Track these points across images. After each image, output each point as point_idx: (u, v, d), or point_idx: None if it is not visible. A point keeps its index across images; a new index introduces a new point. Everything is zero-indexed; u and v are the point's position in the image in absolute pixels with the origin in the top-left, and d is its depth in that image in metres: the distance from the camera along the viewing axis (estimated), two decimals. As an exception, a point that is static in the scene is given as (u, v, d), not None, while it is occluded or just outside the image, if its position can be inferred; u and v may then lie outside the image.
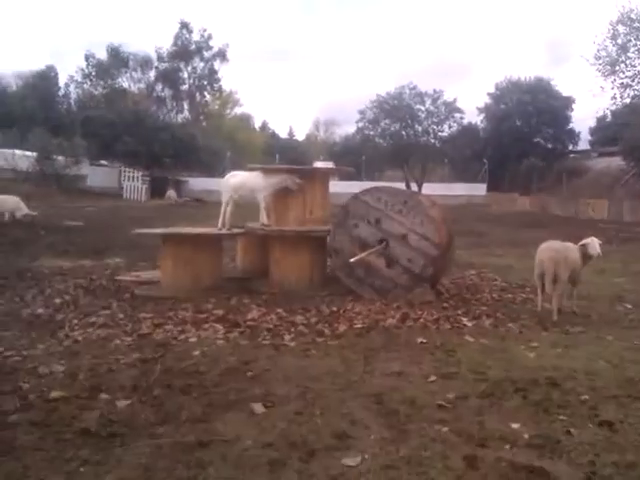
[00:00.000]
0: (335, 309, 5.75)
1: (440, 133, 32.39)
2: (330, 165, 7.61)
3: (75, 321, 5.47)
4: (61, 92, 54.88)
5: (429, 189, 32.17)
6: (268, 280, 7.14)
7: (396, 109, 31.17)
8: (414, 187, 31.35)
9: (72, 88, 54.93)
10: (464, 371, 3.95)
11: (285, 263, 6.90)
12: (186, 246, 6.72)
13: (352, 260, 6.05)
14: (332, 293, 6.73)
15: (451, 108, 31.32)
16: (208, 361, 4.19)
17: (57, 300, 6.46)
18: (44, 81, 51.38)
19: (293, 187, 6.73)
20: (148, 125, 39.96)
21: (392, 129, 32.19)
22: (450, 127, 32.24)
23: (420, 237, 6.30)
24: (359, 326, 5.10)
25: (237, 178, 7.02)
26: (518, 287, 7.72)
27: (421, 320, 5.38)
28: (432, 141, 32.78)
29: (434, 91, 31.29)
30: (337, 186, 34.86)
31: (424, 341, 4.62)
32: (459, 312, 5.79)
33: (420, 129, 32.20)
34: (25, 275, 8.43)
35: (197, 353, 4.39)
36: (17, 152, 33.52)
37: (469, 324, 5.36)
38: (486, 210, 30.13)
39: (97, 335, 4.99)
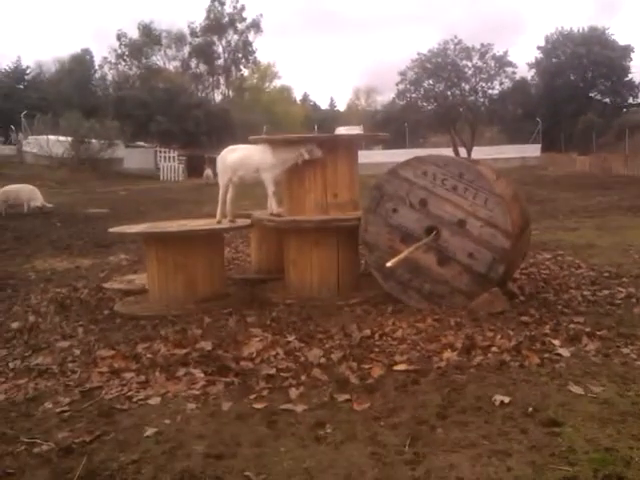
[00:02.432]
0: (369, 332, 4.07)
1: (490, 91, 29.76)
2: (357, 130, 5.77)
3: (12, 365, 4.01)
4: (97, 74, 54.22)
5: (479, 153, 29.89)
6: (284, 284, 5.53)
7: (440, 67, 28.58)
8: (463, 153, 28.98)
9: (106, 69, 54.18)
10: (587, 471, 2.27)
11: (304, 264, 5.26)
12: (175, 247, 5.16)
13: (389, 264, 4.32)
14: (366, 300, 5.07)
15: (502, 63, 28.63)
16: (160, 453, 2.63)
17: (15, 324, 5.05)
18: (80, 65, 50.72)
19: (318, 155, 5.06)
20: (181, 103, 38.79)
21: (436, 90, 29.64)
22: (501, 84, 29.55)
23: (484, 223, 4.55)
24: (402, 368, 3.41)
25: (236, 154, 5.37)
26: (612, 277, 5.90)
27: (494, 349, 3.66)
28: (481, 100, 30.12)
29: (481, 45, 28.62)
30: (377, 155, 33.00)
31: (506, 400, 2.91)
32: (546, 329, 4.04)
33: (467, 87, 29.59)
34: (6, 282, 7.17)
35: (150, 433, 2.83)
36: (51, 138, 32.85)
37: (565, 353, 3.61)
38: (543, 173, 27.69)
39: (26, 392, 3.50)
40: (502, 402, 2.89)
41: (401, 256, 4.33)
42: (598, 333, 3.97)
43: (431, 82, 29.11)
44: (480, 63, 28.71)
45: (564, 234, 9.13)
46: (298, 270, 5.31)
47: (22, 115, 36.15)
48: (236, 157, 5.33)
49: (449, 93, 29.56)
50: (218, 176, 5.53)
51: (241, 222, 5.55)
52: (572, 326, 4.12)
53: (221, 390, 3.30)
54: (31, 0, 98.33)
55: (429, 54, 28.77)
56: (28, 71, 46.55)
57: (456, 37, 28.47)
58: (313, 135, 5.41)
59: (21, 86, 44.80)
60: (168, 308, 5.14)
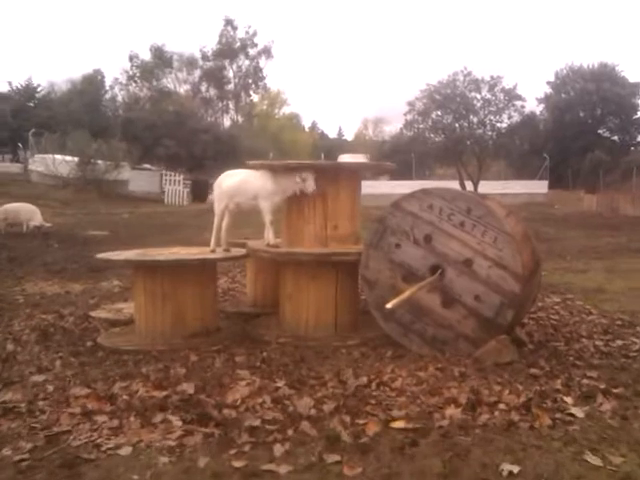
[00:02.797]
0: (365, 379, 3.74)
1: (498, 124, 29.57)
2: (361, 159, 5.48)
3: (-22, 401, 3.70)
4: (108, 95, 54.57)
5: (485, 187, 29.60)
6: (279, 321, 5.22)
7: (448, 99, 28.45)
8: (469, 186, 28.70)
9: (117, 90, 54.56)
10: None
11: (300, 300, 4.95)
12: (163, 277, 4.86)
13: (389, 305, 4.01)
14: (365, 342, 4.75)
15: (511, 95, 28.52)
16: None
17: (-9, 354, 4.75)
18: (91, 85, 51.05)
19: (309, 189, 4.77)
20: (189, 127, 38.81)
21: (444, 121, 29.49)
22: (510, 117, 29.41)
23: (493, 263, 4.25)
24: (400, 425, 3.08)
25: (234, 179, 5.10)
26: (625, 326, 5.58)
27: (502, 406, 3.33)
28: (489, 133, 29.92)
29: (491, 77, 28.49)
30: (383, 186, 32.80)
31: (515, 471, 2.58)
32: (558, 384, 3.71)
33: (475, 120, 29.44)
34: (-8, 306, 6.89)
35: (112, 494, 2.51)
36: (57, 157, 32.78)
37: (579, 413, 3.28)
38: (550, 210, 27.38)
39: (-13, 434, 3.19)
40: (510, 472, 2.56)
41: (402, 297, 4.02)
42: (614, 391, 3.64)
43: (439, 113, 29.01)
44: (489, 95, 28.63)
45: (573, 276, 8.80)
46: (294, 306, 5.00)
47: (30, 133, 36.21)
48: (233, 183, 5.07)
49: (457, 125, 29.45)
50: (214, 202, 5.26)
51: (236, 252, 5.27)
52: (585, 381, 3.79)
53: (199, 442, 2.98)
54: (46, 20, 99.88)
55: (438, 85, 28.71)
56: (39, 89, 46.85)
57: (466, 68, 28.48)
58: (314, 162, 5.12)
59: (31, 104, 45.03)
60: (154, 342, 4.83)
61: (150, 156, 39.47)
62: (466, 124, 29.42)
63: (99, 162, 32.94)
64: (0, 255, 11.15)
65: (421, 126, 29.81)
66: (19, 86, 45.91)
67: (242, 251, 5.17)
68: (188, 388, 3.62)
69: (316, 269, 4.87)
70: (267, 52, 57.50)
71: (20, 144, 38.38)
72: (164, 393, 3.58)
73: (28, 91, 45.99)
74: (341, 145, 58.15)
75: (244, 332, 5.15)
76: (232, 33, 56.92)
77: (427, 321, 4.44)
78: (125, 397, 3.54)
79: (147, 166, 41.26)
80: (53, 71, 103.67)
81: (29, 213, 14.71)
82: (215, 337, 4.97)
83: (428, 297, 4.42)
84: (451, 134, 29.39)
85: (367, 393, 3.55)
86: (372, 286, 4.64)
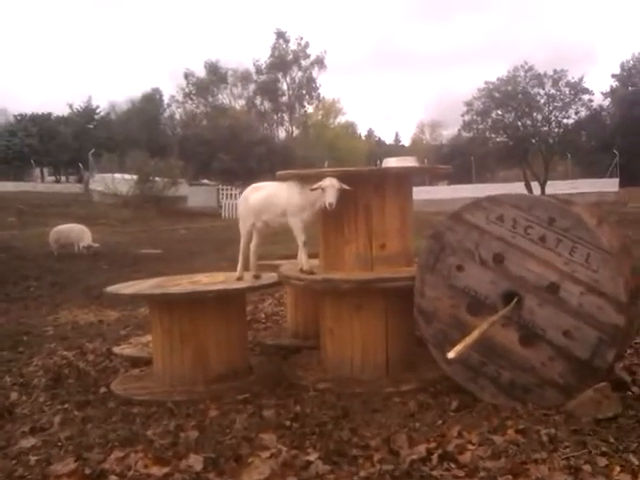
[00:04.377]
0: (423, 450, 2.85)
1: (564, 120, 27.76)
2: (410, 162, 4.54)
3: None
4: (166, 113, 55.39)
5: (552, 188, 27.96)
6: (320, 358, 4.38)
7: (509, 96, 26.89)
8: (535, 188, 27.09)
9: (174, 108, 55.37)
10: None
11: (343, 335, 4.10)
12: (181, 313, 4.12)
13: (451, 354, 3.08)
14: (424, 387, 3.86)
15: (577, 89, 26.70)
16: None
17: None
18: (149, 104, 51.92)
19: (326, 201, 3.85)
20: (244, 140, 38.69)
21: (505, 120, 27.95)
22: (577, 112, 27.54)
23: (586, 289, 3.28)
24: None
25: (260, 193, 4.31)
26: None
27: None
28: (555, 130, 28.16)
29: (554, 72, 26.76)
30: (442, 191, 31.50)
31: None
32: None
33: (539, 117, 27.77)
34: (20, 339, 6.39)
35: None
36: (117, 176, 33.22)
37: None
38: (622, 210, 25.40)
39: None
40: None
41: (468, 341, 3.09)
42: None
43: (500, 112, 27.50)
44: (553, 91, 26.90)
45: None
46: (336, 342, 4.16)
47: (90, 154, 36.92)
48: (260, 198, 4.28)
49: (519, 123, 27.86)
50: (240, 220, 4.49)
51: (267, 278, 4.47)
52: None
53: None
54: (104, 41, 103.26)
55: (498, 82, 27.22)
56: (98, 110, 47.90)
57: (527, 63, 26.86)
58: (352, 170, 4.25)
59: (91, 125, 46.05)
60: (172, 389, 4.10)
61: (206, 171, 39.65)
62: (529, 122, 27.81)
63: (157, 179, 33.16)
64: (44, 279, 10.83)
65: (480, 126, 28.36)
66: (79, 108, 47.05)
67: (274, 277, 4.36)
68: (195, 463, 2.84)
69: (361, 298, 4.01)
70: (320, 62, 57.22)
71: (81, 165, 39.24)
72: (165, 470, 2.81)
73: (88, 112, 47.06)
74: (398, 151, 56.90)
75: (279, 373, 4.33)
76: (284, 46, 56.97)
77: (502, 363, 3.51)
78: (119, 470, 2.77)
79: (205, 181, 41.49)
80: (113, 91, 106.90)
81: (79, 233, 14.48)
82: (244, 381, 4.18)
83: (502, 333, 3.49)
84: (513, 133, 27.82)
85: (426, 473, 2.66)
86: (429, 318, 3.74)
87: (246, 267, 4.51)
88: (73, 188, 38.23)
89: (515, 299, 3.48)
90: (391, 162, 4.54)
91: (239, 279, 4.40)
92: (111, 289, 4.24)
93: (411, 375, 4.06)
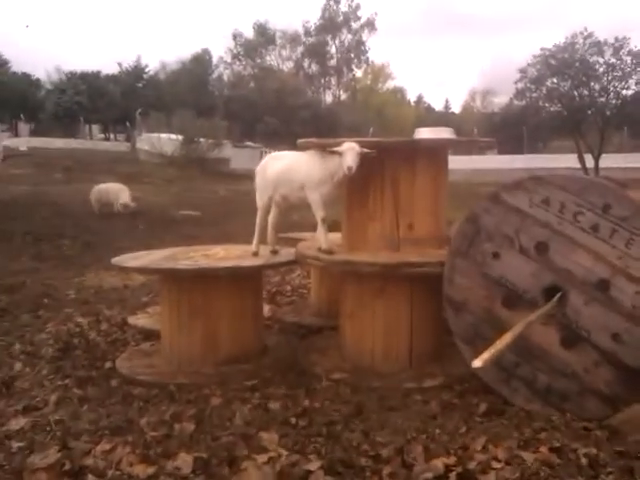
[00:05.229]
0: (441, 465, 2.48)
1: (624, 91, 26.15)
2: (446, 134, 4.03)
3: None
4: (214, 74, 55.10)
5: (606, 161, 26.60)
6: (339, 343, 4.03)
7: (566, 64, 25.41)
8: (589, 160, 25.77)
9: (222, 69, 55.02)
10: None
11: (363, 321, 3.74)
12: (191, 288, 3.83)
13: (479, 362, 2.63)
14: (449, 384, 3.48)
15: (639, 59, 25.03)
16: None
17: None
18: (199, 64, 51.67)
19: (344, 166, 3.44)
20: (289, 104, 38.24)
21: (561, 89, 26.53)
22: (637, 83, 25.85)
23: (644, 288, 2.83)
24: None
25: (279, 164, 3.93)
26: None
27: None
28: (613, 101, 26.62)
29: (615, 39, 25.13)
30: (490, 161, 30.34)
31: None
32: None
33: (597, 87, 26.24)
34: (40, 302, 6.27)
35: None
36: (163, 136, 33.26)
37: None
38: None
39: None
40: None
41: (499, 347, 2.66)
42: None
43: (555, 80, 26.06)
44: (613, 60, 25.29)
45: None
46: (356, 329, 3.80)
47: (137, 113, 37.03)
48: (278, 169, 3.89)
49: (575, 93, 26.40)
50: (256, 192, 4.13)
51: (284, 255, 4.12)
52: None
53: None
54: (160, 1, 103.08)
55: (554, 49, 25.71)
56: (147, 70, 47.96)
57: (586, 30, 25.19)
58: (377, 140, 3.79)
59: (139, 85, 46.17)
60: (178, 369, 3.84)
61: (251, 133, 39.40)
62: (586, 91, 26.32)
63: (202, 140, 33.08)
64: (78, 239, 10.77)
65: (534, 95, 27.01)
66: (128, 67, 47.19)
67: (289, 257, 4.00)
68: (184, 465, 2.55)
69: (384, 282, 3.63)
70: (370, 25, 55.95)
71: (128, 123, 39.46)
72: (149, 471, 2.53)
73: (137, 72, 47.18)
74: (448, 118, 55.35)
75: (293, 357, 4.02)
76: (335, 7, 55.73)
77: (539, 365, 3.10)
78: (93, 477, 2.51)
79: (249, 143, 41.28)
80: (165, 52, 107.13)
81: (118, 192, 14.43)
82: (255, 364, 3.88)
83: (541, 332, 3.07)
84: (569, 103, 26.41)
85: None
86: (459, 309, 3.34)
87: (262, 241, 4.16)
88: (121, 146, 38.62)
89: (558, 295, 3.04)
90: (424, 133, 4.06)
91: (255, 254, 4.06)
92: (118, 260, 3.98)
93: (436, 369, 3.68)
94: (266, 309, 5.49)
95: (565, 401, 3.02)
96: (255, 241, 4.11)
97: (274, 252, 4.17)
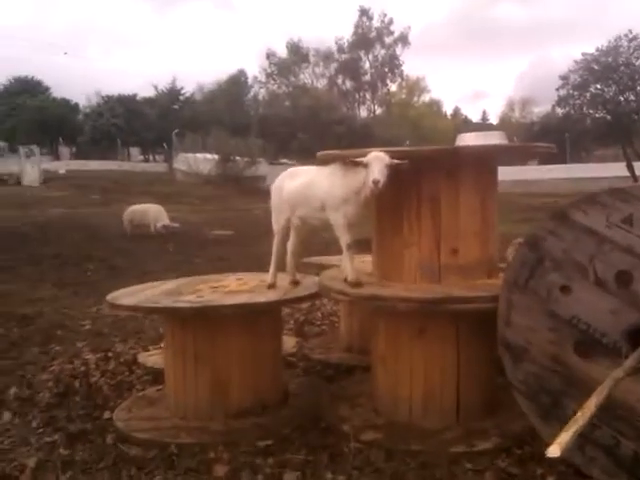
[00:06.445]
0: None
1: (673, 94, 24.85)
2: (496, 139, 3.38)
3: None
4: (250, 94, 55.47)
5: (654, 169, 25.32)
6: (372, 390, 3.41)
7: (610, 68, 24.31)
8: (638, 169, 24.50)
9: (257, 89, 55.42)
10: None
11: (399, 367, 3.11)
12: (195, 328, 3.27)
13: (554, 450, 1.97)
14: (507, 446, 2.82)
15: (689, 60, 23.75)
16: None
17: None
18: (235, 85, 52.12)
19: (369, 179, 2.83)
20: (323, 119, 37.92)
21: (605, 95, 25.39)
22: (687, 86, 24.53)
23: None
24: None
25: (296, 182, 3.36)
26: None
27: None
28: (663, 105, 25.35)
29: (662, 39, 23.97)
30: (531, 172, 29.18)
31: None
32: None
33: (645, 91, 25.03)
34: (53, 333, 5.85)
35: None
36: (199, 155, 33.40)
37: None
38: None
39: None
40: None
41: (581, 423, 1.98)
42: None
43: (599, 86, 24.94)
44: (661, 61, 24.13)
45: None
46: (390, 376, 3.17)
47: (174, 133, 37.31)
48: (296, 187, 3.32)
49: (621, 98, 25.25)
50: (272, 214, 3.57)
51: (305, 287, 3.52)
52: None
53: None
54: (199, 22, 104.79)
55: (597, 53, 24.62)
56: (183, 91, 48.45)
57: (630, 32, 24.02)
58: (410, 148, 3.18)
59: (176, 106, 46.63)
60: (184, 422, 3.27)
61: (286, 151, 39.24)
62: (633, 96, 25.15)
63: (237, 159, 33.02)
64: (105, 262, 10.42)
65: (577, 101, 25.91)
66: (164, 89, 47.74)
67: (311, 291, 3.40)
68: None
69: (424, 320, 3.01)
70: (403, 39, 55.42)
71: (165, 144, 39.79)
72: None
73: (173, 93, 47.69)
74: (484, 129, 54.25)
75: (318, 407, 3.41)
76: (368, 23, 55.51)
77: (623, 428, 2.42)
78: None
79: (284, 161, 41.09)
80: (202, 73, 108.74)
81: (156, 213, 14.14)
82: (272, 418, 3.29)
83: (626, 386, 2.39)
84: (614, 108, 25.24)
85: None
86: (518, 356, 2.68)
87: (275, 274, 3.56)
88: (158, 167, 38.96)
89: (650, 339, 2.37)
90: (468, 139, 3.42)
91: (271, 287, 3.49)
92: (112, 297, 3.44)
93: (489, 424, 3.02)
94: (291, 343, 4.92)
95: (663, 479, 2.34)
96: (271, 271, 3.53)
97: (294, 283, 3.59)
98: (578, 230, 2.52)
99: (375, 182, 2.73)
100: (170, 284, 3.78)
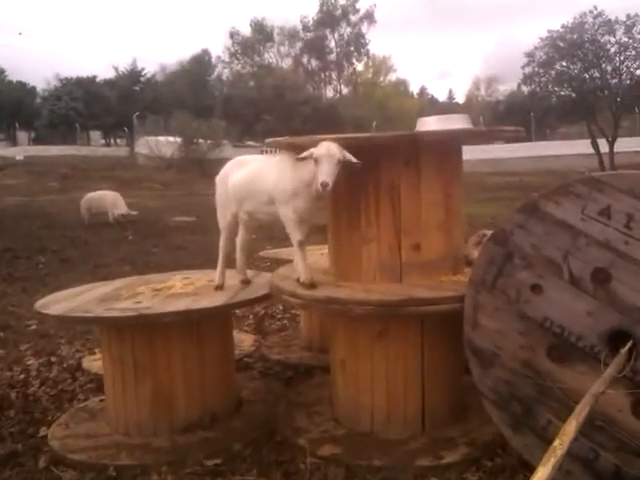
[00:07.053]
0: None
1: (638, 71, 24.89)
2: (459, 123, 3.08)
3: None
4: (214, 74, 54.36)
5: (619, 145, 25.53)
6: (331, 399, 3.15)
7: (575, 45, 24.27)
8: (603, 145, 24.62)
9: (221, 69, 54.34)
10: None
11: (359, 373, 2.85)
12: (134, 336, 2.96)
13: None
14: (475, 458, 2.60)
15: (654, 37, 23.82)
16: None
17: None
18: (198, 65, 50.96)
19: (319, 179, 2.49)
20: (288, 100, 37.32)
21: (571, 72, 25.38)
22: (652, 62, 24.66)
23: None
24: None
25: (242, 173, 3.04)
26: None
27: None
28: (627, 83, 25.39)
29: (627, 17, 23.91)
30: (497, 150, 29.22)
31: None
32: None
33: (609, 68, 25.05)
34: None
35: None
36: (161, 139, 32.61)
37: None
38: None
39: None
40: None
41: (561, 450, 1.73)
42: None
43: (564, 63, 24.90)
44: (625, 38, 24.10)
45: None
46: (350, 382, 2.91)
47: (134, 116, 36.35)
48: (241, 178, 3.00)
49: (587, 75, 25.24)
50: (217, 209, 3.24)
51: (256, 288, 3.22)
52: None
53: None
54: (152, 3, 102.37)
55: (562, 30, 24.50)
56: (144, 73, 47.20)
57: (595, 8, 23.92)
58: (366, 135, 2.91)
59: (136, 88, 45.41)
60: (125, 439, 2.97)
61: (251, 132, 38.59)
62: (598, 73, 25.18)
63: (201, 141, 32.31)
64: (58, 254, 9.95)
65: (543, 79, 25.84)
66: (124, 71, 46.42)
67: (263, 292, 3.10)
68: None
69: (384, 323, 2.74)
70: (369, 17, 54.80)
71: (125, 128, 38.79)
72: None
73: (133, 75, 46.41)
74: (451, 108, 54.26)
75: (273, 417, 3.13)
76: (333, 1, 54.69)
77: (602, 440, 2.21)
78: None
79: (250, 142, 40.44)
80: (164, 54, 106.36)
81: (113, 200, 13.60)
82: (223, 432, 3.01)
83: (605, 395, 2.17)
84: (580, 86, 25.24)
85: None
86: (487, 362, 2.44)
87: (222, 273, 3.25)
88: (119, 151, 37.99)
89: (628, 344, 2.14)
90: (430, 123, 3.13)
91: (218, 288, 3.18)
92: (41, 304, 3.09)
93: (457, 432, 2.79)
94: (249, 342, 4.65)
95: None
96: (219, 271, 3.21)
97: (245, 282, 3.29)
98: (550, 223, 2.26)
99: (324, 185, 2.41)
100: (109, 286, 3.44)
